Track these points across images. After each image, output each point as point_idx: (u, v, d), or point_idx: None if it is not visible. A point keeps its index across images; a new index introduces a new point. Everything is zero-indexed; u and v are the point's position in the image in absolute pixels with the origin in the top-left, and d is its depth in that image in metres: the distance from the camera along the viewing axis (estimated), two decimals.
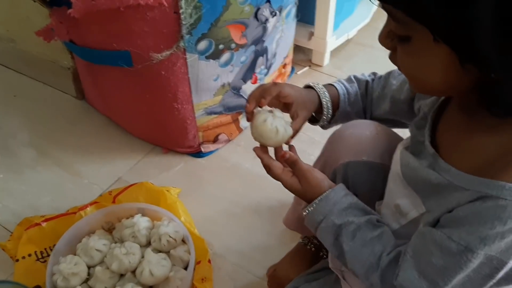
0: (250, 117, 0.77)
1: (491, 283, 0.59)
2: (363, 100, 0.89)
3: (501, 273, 0.58)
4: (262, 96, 0.78)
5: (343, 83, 0.90)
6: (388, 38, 0.59)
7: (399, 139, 0.84)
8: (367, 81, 0.90)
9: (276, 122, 0.74)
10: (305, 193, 0.74)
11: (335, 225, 0.70)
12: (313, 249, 1.06)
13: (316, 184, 0.74)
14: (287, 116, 0.79)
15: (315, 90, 0.86)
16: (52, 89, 1.61)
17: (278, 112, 0.76)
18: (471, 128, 0.62)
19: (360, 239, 0.69)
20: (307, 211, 0.74)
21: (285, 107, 0.81)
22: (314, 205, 0.72)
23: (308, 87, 0.88)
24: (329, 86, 0.88)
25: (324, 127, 0.90)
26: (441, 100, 0.71)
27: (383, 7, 0.55)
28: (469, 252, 0.57)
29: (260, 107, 0.78)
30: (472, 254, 0.57)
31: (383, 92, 0.88)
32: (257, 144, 0.77)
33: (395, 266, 0.65)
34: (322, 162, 0.91)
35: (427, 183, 0.66)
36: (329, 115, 0.86)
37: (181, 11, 1.03)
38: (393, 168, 0.76)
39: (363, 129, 0.85)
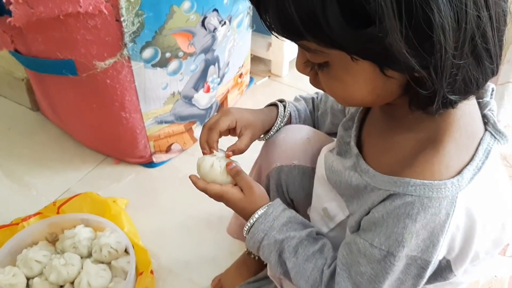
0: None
1: (422, 282, 0.60)
2: (312, 117, 0.91)
3: (428, 271, 0.59)
4: (209, 143, 0.80)
5: (291, 103, 0.90)
6: (306, 67, 0.58)
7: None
8: (313, 98, 0.92)
9: (222, 163, 0.76)
10: (248, 202, 0.73)
11: (277, 241, 0.69)
12: (257, 258, 1.04)
13: (260, 194, 0.74)
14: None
15: (277, 108, 0.88)
16: (7, 101, 1.59)
17: (220, 153, 0.78)
18: (391, 129, 0.63)
19: (303, 254, 0.68)
20: (247, 228, 0.72)
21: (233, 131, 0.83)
22: (254, 220, 0.71)
23: (272, 105, 0.89)
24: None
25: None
26: None
27: (295, 42, 0.54)
28: (391, 256, 0.58)
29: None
30: (394, 258, 0.58)
31: (325, 107, 0.89)
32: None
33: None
34: (257, 168, 0.91)
35: (348, 186, 0.66)
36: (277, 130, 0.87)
37: (122, 18, 1.03)
38: (318, 172, 0.77)
39: (295, 134, 0.85)
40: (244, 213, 0.74)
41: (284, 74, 1.68)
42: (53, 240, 1.12)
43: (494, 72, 0.53)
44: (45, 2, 1.00)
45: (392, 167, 0.59)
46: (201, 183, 0.77)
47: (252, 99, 1.59)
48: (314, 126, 0.89)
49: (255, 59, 1.64)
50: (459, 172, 0.55)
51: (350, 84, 0.55)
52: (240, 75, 1.50)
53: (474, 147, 0.58)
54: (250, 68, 1.59)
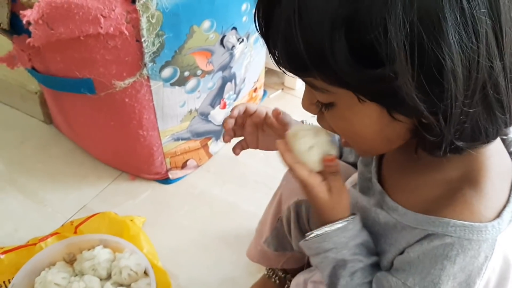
0: (231, 135, 0.74)
1: None
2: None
3: None
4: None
5: None
6: (312, 105, 0.57)
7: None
8: None
9: (323, 149, 0.64)
10: (331, 208, 0.64)
11: (344, 260, 0.64)
12: (277, 281, 1.04)
13: (345, 204, 0.66)
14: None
15: None
16: (20, 113, 1.58)
17: (323, 134, 0.65)
18: (414, 168, 0.61)
19: (359, 279, 0.64)
20: (317, 231, 0.65)
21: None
22: (330, 229, 0.64)
23: None
24: None
25: None
26: None
27: (302, 79, 0.54)
28: None
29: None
30: None
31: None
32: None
33: None
34: (278, 198, 0.90)
35: (375, 223, 0.64)
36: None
37: (143, 39, 1.02)
38: None
39: None
40: (320, 213, 0.66)
41: (298, 87, 1.67)
42: (70, 261, 1.11)
43: (507, 123, 0.52)
44: (66, 23, 0.99)
45: (424, 206, 0.58)
46: (289, 158, 0.64)
47: None
48: (341, 155, 0.86)
49: (269, 72, 1.63)
50: (499, 214, 0.54)
51: (356, 125, 0.54)
52: (255, 90, 1.49)
53: (508, 187, 0.57)
54: (264, 81, 1.58)
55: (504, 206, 0.55)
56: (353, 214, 0.65)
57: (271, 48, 0.51)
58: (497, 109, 0.49)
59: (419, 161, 0.59)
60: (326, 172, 0.64)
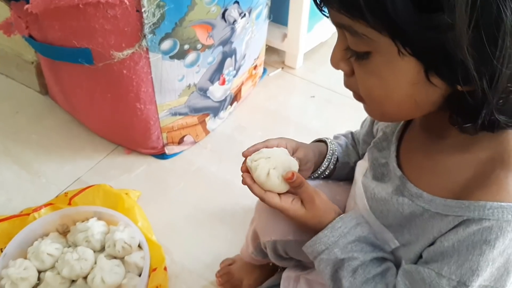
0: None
1: None
2: (356, 150, 0.85)
3: None
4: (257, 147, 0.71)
5: (331, 140, 0.84)
6: (343, 59, 0.54)
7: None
8: (351, 132, 0.87)
9: (279, 169, 0.66)
10: (311, 217, 0.66)
11: (337, 259, 0.64)
12: (270, 264, 1.03)
13: (324, 208, 0.66)
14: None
15: (324, 142, 0.82)
16: (15, 83, 1.56)
17: (277, 153, 0.68)
18: (437, 149, 0.59)
19: (362, 276, 0.63)
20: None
21: None
22: (320, 236, 0.65)
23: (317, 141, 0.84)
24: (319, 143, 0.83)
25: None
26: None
27: (337, 23, 0.51)
28: (463, 286, 0.53)
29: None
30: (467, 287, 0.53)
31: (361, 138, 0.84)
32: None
33: None
34: (254, 229, 0.88)
35: (398, 215, 0.61)
36: (329, 165, 0.81)
37: (143, 9, 1.00)
38: (358, 203, 0.71)
39: None
40: (306, 228, 0.67)
41: (298, 66, 1.65)
42: (64, 232, 1.11)
43: None
44: None
45: (453, 190, 0.56)
46: (257, 190, 0.67)
47: (264, 91, 1.57)
48: (359, 158, 0.81)
49: (269, 50, 1.60)
50: None
51: (389, 82, 0.51)
52: (255, 67, 1.47)
53: None
54: (264, 59, 1.56)
55: None
56: (346, 213, 0.66)
57: None
58: None
59: (445, 140, 0.57)
60: (292, 188, 0.66)
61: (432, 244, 0.57)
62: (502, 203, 0.51)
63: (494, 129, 0.51)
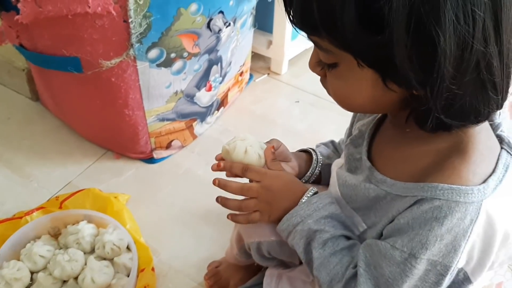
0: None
1: None
2: (336, 155, 0.91)
3: (447, 279, 0.60)
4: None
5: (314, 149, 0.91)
6: (318, 66, 0.62)
7: None
8: (331, 141, 0.95)
9: (255, 147, 0.75)
10: (284, 184, 0.74)
11: (310, 230, 0.70)
12: (255, 264, 1.07)
13: (295, 180, 0.76)
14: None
15: (308, 151, 0.89)
16: (6, 89, 1.59)
17: (249, 136, 0.76)
18: (403, 141, 0.65)
19: (331, 248, 0.69)
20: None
21: None
22: (296, 209, 0.72)
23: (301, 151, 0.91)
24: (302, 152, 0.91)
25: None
26: (377, 119, 0.74)
27: (309, 39, 0.58)
28: (413, 258, 0.59)
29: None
30: (416, 260, 0.58)
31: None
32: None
33: (356, 280, 0.66)
34: (237, 231, 0.93)
35: (365, 198, 0.68)
36: (314, 171, 0.87)
37: (130, 20, 1.04)
38: (331, 190, 0.77)
39: None
40: (282, 199, 0.74)
41: (283, 72, 1.70)
42: (55, 234, 1.14)
43: (498, 105, 0.55)
44: (54, 1, 1.01)
45: (414, 175, 0.61)
46: (238, 165, 0.75)
47: (251, 96, 1.62)
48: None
49: (255, 56, 1.65)
50: (484, 181, 0.58)
51: (352, 87, 0.59)
52: (241, 73, 1.52)
53: (495, 160, 0.61)
54: (250, 65, 1.60)
55: (490, 174, 0.59)
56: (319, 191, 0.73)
57: (287, 6, 0.56)
58: (490, 90, 0.52)
59: (409, 134, 0.63)
60: (268, 162, 0.75)
61: (391, 222, 0.63)
62: (453, 185, 0.57)
63: (448, 129, 0.57)
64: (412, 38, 0.48)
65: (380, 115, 0.74)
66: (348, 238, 0.71)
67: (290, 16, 0.56)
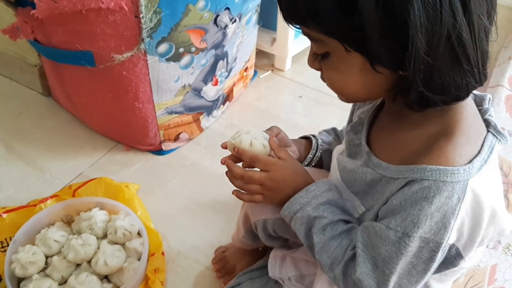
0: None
1: (433, 266, 0.64)
2: (337, 142, 0.95)
3: (439, 255, 0.62)
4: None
5: (315, 135, 0.95)
6: (314, 61, 0.67)
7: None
8: (333, 128, 0.99)
9: (259, 138, 0.78)
10: (288, 167, 0.78)
11: (310, 217, 0.73)
12: (260, 248, 1.12)
13: (300, 168, 0.79)
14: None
15: (308, 138, 0.94)
16: (19, 85, 1.64)
17: (252, 129, 0.80)
18: (398, 126, 0.70)
19: (330, 232, 0.72)
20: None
21: None
22: (296, 197, 0.75)
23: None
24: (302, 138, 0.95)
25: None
26: (376, 106, 0.78)
27: (303, 34, 0.63)
28: (406, 237, 0.62)
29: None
30: (409, 239, 0.61)
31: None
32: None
33: (355, 261, 0.69)
34: (244, 213, 0.97)
35: (362, 182, 0.71)
36: (314, 156, 0.92)
37: (141, 15, 1.09)
38: (332, 175, 0.82)
39: None
40: (286, 184, 0.77)
41: (287, 69, 1.75)
42: (68, 222, 1.19)
43: (477, 80, 0.59)
44: None
45: (406, 159, 0.65)
46: (248, 153, 0.77)
47: (255, 91, 1.67)
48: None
49: (259, 53, 1.70)
50: (470, 161, 0.61)
51: (344, 74, 0.63)
52: (246, 69, 1.57)
53: (480, 142, 0.64)
54: (254, 62, 1.65)
55: (476, 155, 0.62)
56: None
57: (278, 2, 0.61)
58: (464, 62, 0.56)
59: (403, 119, 0.68)
60: (275, 150, 0.78)
61: (385, 204, 0.67)
62: (440, 167, 0.60)
63: (435, 105, 0.61)
64: (383, 15, 0.53)
65: (378, 102, 0.78)
66: (346, 222, 0.74)
67: (283, 12, 0.61)
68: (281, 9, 0.62)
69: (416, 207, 0.61)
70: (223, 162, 0.80)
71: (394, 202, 0.64)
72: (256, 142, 0.78)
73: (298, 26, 0.62)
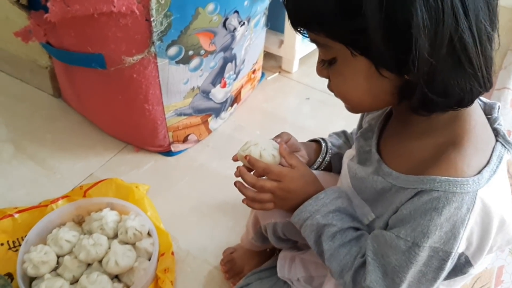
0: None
1: (442, 275, 0.65)
2: (347, 145, 0.96)
3: (449, 264, 0.63)
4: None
5: (325, 138, 0.96)
6: (322, 68, 0.67)
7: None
8: (343, 131, 0.99)
9: (268, 149, 0.79)
10: (300, 177, 0.78)
11: (319, 225, 0.74)
12: (268, 249, 1.13)
13: (311, 174, 0.79)
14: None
15: (318, 141, 0.94)
16: (30, 87, 1.66)
17: (260, 140, 0.80)
18: (406, 135, 0.70)
19: (340, 240, 0.73)
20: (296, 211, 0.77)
21: None
22: (305, 205, 0.76)
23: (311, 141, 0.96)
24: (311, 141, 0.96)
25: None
26: (386, 113, 0.79)
27: (311, 40, 0.64)
28: (416, 247, 0.62)
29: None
30: (419, 248, 0.62)
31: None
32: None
33: (365, 268, 0.69)
34: (255, 215, 0.99)
35: (373, 190, 0.72)
36: (324, 160, 0.92)
37: (152, 19, 1.10)
38: (343, 181, 0.82)
39: None
40: (297, 194, 0.77)
41: (294, 71, 1.76)
42: (79, 222, 1.21)
43: (481, 84, 0.59)
44: (81, 0, 1.08)
45: (415, 168, 0.66)
46: (261, 164, 0.78)
47: (262, 93, 1.68)
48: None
49: (267, 55, 1.71)
50: (479, 172, 0.62)
51: (350, 80, 0.63)
52: (254, 71, 1.58)
53: (489, 152, 0.65)
54: (262, 64, 1.67)
55: (485, 166, 0.63)
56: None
57: (286, 5, 0.62)
58: (466, 65, 0.57)
59: (411, 127, 0.68)
60: (286, 158, 0.78)
61: (395, 213, 0.67)
62: (449, 178, 0.61)
63: (440, 109, 0.61)
64: (386, 17, 0.53)
65: (388, 109, 0.78)
66: (355, 229, 0.75)
67: (290, 18, 0.62)
68: (288, 16, 0.63)
69: (426, 217, 0.62)
70: (237, 174, 0.81)
71: (404, 211, 0.65)
72: (265, 154, 0.78)
73: (305, 33, 0.63)
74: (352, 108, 0.71)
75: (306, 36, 0.64)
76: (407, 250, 0.64)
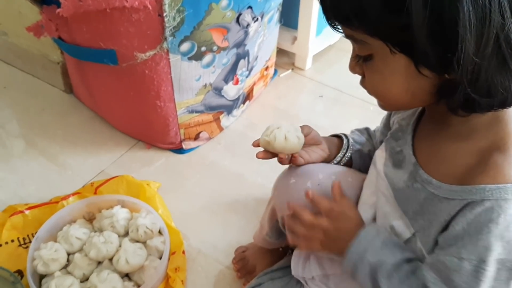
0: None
1: None
2: (370, 142, 0.94)
3: None
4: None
5: (347, 134, 0.94)
6: (356, 64, 0.65)
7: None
8: (366, 128, 0.97)
9: (292, 131, 0.79)
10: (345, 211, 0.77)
11: (371, 266, 0.70)
12: (280, 248, 1.12)
13: (353, 207, 0.78)
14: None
15: (340, 136, 0.93)
16: (41, 82, 1.66)
17: (283, 123, 0.80)
18: (443, 137, 0.67)
19: (397, 278, 0.69)
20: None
21: None
22: (351, 247, 0.73)
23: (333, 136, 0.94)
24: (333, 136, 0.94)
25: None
26: (418, 112, 0.75)
27: (346, 35, 0.61)
28: (483, 263, 0.59)
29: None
30: (486, 264, 0.59)
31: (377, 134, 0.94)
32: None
33: None
34: (272, 208, 0.97)
35: (415, 201, 0.68)
36: (344, 155, 0.91)
37: (164, 14, 1.09)
38: (384, 190, 0.78)
39: (305, 180, 0.86)
40: (348, 238, 0.74)
41: (307, 68, 1.73)
42: (90, 219, 1.20)
43: None
44: None
45: (457, 176, 0.63)
46: (325, 205, 0.77)
47: (275, 90, 1.66)
48: (374, 149, 0.91)
49: (280, 52, 1.69)
50: None
51: (388, 78, 0.61)
52: (266, 68, 1.56)
53: None
54: (275, 60, 1.64)
55: None
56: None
57: (322, 2, 0.59)
58: (511, 64, 0.54)
59: (448, 129, 0.65)
60: (337, 198, 0.78)
61: (445, 228, 0.63)
62: (499, 185, 0.58)
63: (481, 110, 0.59)
64: (431, 14, 0.51)
65: (420, 109, 0.75)
66: (409, 260, 0.70)
67: (324, 12, 0.59)
68: (324, 10, 0.60)
69: (483, 231, 0.59)
70: (307, 195, 0.79)
71: (457, 227, 0.61)
72: (290, 136, 0.78)
73: (340, 28, 0.61)
74: (386, 106, 0.68)
75: (340, 32, 0.62)
76: (474, 270, 0.60)
